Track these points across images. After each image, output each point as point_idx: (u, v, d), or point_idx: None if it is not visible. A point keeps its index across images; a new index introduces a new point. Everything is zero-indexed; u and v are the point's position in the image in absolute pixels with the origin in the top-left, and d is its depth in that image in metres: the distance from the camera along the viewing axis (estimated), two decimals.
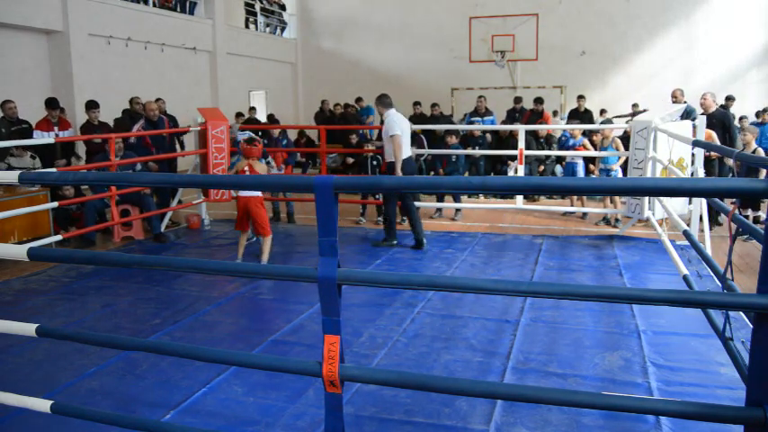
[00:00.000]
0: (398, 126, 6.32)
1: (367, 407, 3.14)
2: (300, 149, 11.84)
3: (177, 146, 8.34)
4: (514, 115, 10.96)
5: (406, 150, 6.50)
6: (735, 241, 2.16)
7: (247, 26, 16.52)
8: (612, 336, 4.07)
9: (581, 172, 8.28)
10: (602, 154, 7.69)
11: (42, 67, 10.35)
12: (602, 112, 12.69)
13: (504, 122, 10.87)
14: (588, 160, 8.75)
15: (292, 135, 12.32)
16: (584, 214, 8.07)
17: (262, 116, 15.92)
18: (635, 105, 12.56)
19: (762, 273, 1.53)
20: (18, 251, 2.20)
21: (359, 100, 13.73)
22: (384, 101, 6.52)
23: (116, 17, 11.44)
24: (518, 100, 11.33)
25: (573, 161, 8.26)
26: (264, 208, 5.82)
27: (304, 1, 18.33)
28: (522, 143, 7.66)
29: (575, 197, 8.28)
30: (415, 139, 9.60)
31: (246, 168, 5.66)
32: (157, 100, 8.96)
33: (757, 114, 11.44)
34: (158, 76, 12.49)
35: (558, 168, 10.27)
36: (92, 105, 7.89)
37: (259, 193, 5.73)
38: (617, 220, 7.73)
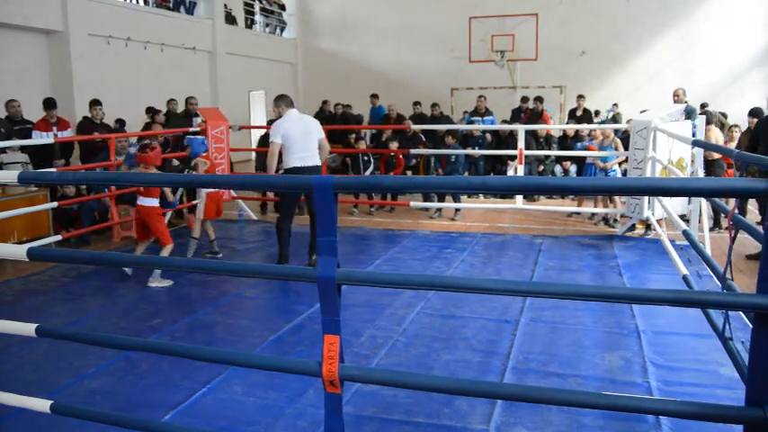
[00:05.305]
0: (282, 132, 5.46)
1: (367, 407, 3.14)
2: None
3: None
4: (520, 115, 10.91)
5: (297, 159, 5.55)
6: (735, 241, 2.16)
7: (249, 26, 16.50)
8: (612, 336, 4.07)
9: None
10: (601, 154, 7.68)
11: (42, 67, 10.34)
12: (597, 113, 12.62)
13: (507, 122, 10.84)
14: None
15: None
16: (593, 215, 8.03)
17: (261, 118, 15.90)
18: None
19: (762, 273, 1.53)
20: (18, 251, 2.20)
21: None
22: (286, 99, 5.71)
23: (116, 17, 11.43)
24: (525, 99, 11.25)
25: (593, 163, 8.11)
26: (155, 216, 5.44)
27: (304, 1, 18.32)
28: (521, 143, 7.65)
29: (583, 198, 8.20)
30: (418, 139, 9.62)
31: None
32: (190, 98, 9.12)
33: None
34: (158, 76, 12.48)
35: (558, 168, 10.25)
36: (96, 103, 8.02)
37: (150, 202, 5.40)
38: (615, 220, 7.72)
